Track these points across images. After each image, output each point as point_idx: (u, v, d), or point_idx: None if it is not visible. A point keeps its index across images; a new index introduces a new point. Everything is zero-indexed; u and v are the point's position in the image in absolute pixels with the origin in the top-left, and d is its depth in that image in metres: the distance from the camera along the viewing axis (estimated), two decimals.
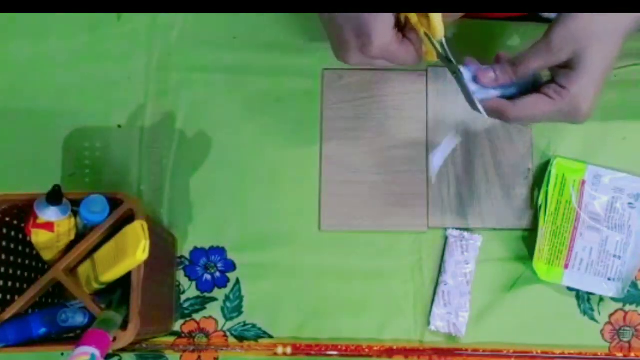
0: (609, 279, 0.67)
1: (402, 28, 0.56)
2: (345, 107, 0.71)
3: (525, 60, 0.54)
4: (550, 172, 0.68)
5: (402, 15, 0.55)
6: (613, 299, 0.67)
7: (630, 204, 0.68)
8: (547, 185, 0.67)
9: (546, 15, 0.73)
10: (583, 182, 0.68)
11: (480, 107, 0.55)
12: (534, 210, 0.68)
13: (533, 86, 0.56)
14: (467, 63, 0.56)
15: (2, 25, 0.73)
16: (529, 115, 0.54)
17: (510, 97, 0.55)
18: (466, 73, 0.55)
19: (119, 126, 0.71)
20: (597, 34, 0.52)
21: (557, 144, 0.70)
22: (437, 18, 0.52)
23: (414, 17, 0.54)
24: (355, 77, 0.71)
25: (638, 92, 0.71)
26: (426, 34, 0.54)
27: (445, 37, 0.54)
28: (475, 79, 0.55)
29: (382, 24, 0.52)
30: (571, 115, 0.54)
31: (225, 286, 0.69)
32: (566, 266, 0.67)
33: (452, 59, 0.55)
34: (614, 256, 0.67)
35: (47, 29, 0.73)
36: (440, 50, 0.55)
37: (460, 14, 0.56)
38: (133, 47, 0.72)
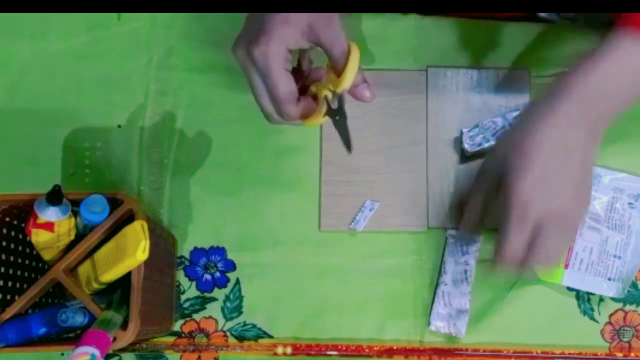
0: (609, 279, 0.67)
1: (301, 86, 0.55)
2: (345, 107, 0.71)
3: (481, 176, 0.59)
4: None
5: (312, 87, 0.56)
6: (613, 299, 0.67)
7: (630, 204, 0.68)
8: None
9: (545, 15, 0.73)
10: None
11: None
12: None
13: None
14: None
15: (2, 25, 0.73)
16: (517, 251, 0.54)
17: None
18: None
19: (119, 126, 0.71)
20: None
21: None
22: (351, 72, 0.52)
23: (319, 88, 0.55)
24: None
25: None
26: (325, 97, 0.54)
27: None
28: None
29: (281, 35, 0.50)
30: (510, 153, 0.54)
31: (225, 286, 0.69)
32: (566, 266, 0.67)
33: (344, 107, 0.55)
34: (614, 256, 0.67)
35: (47, 29, 0.73)
36: (332, 105, 0.54)
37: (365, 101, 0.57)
38: (133, 47, 0.72)
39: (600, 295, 0.68)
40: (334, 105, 0.54)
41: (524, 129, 0.53)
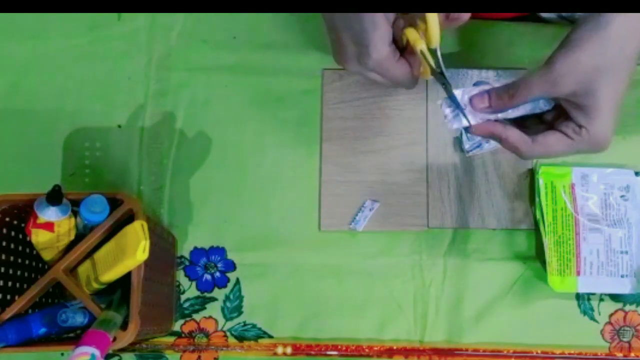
0: (622, 277, 0.67)
1: (401, 49, 0.56)
2: (345, 107, 0.71)
3: (524, 88, 0.52)
4: (538, 182, 0.68)
5: (404, 38, 0.55)
6: (624, 296, 0.67)
7: (622, 196, 0.68)
8: (539, 196, 0.67)
9: (546, 15, 0.73)
10: (572, 186, 0.68)
11: (464, 135, 0.57)
12: (534, 210, 0.68)
13: (533, 113, 0.55)
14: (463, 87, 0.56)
15: (2, 25, 0.73)
16: (544, 152, 0.54)
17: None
18: (461, 96, 0.55)
19: (119, 126, 0.71)
20: (604, 66, 0.49)
21: None
22: (433, 21, 0.51)
23: (412, 33, 0.54)
24: (355, 77, 0.71)
25: (638, 92, 0.71)
26: (422, 52, 0.54)
27: (440, 48, 0.53)
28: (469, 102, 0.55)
29: (380, 36, 0.53)
30: (590, 150, 0.53)
31: (225, 286, 0.69)
32: (578, 273, 0.67)
33: (445, 72, 0.54)
34: (621, 252, 0.67)
35: (47, 29, 0.73)
36: (434, 64, 0.54)
37: (462, 20, 0.55)
38: (133, 47, 0.72)
39: (601, 295, 0.68)
40: (433, 64, 0.54)
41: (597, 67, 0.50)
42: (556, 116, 0.55)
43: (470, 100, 0.55)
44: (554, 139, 0.53)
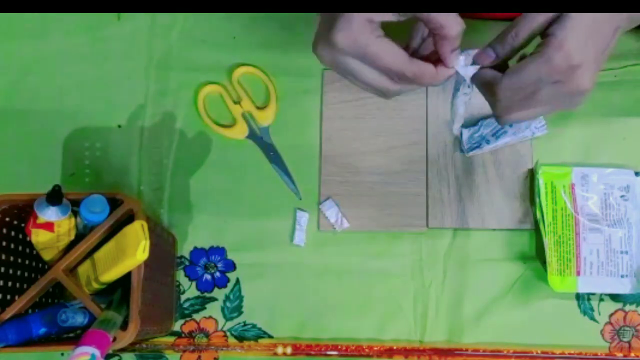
0: (622, 277, 0.67)
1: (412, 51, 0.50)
2: (345, 107, 0.71)
3: (525, 19, 0.46)
4: (538, 182, 0.68)
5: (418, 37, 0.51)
6: (624, 296, 0.68)
7: (622, 196, 0.68)
8: (539, 196, 0.67)
9: None
10: (572, 186, 0.68)
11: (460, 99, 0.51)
12: (534, 210, 0.68)
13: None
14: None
15: (2, 25, 0.73)
16: (520, 82, 0.46)
17: None
18: (463, 59, 0.50)
19: (119, 126, 0.71)
20: None
21: (556, 147, 0.70)
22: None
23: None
24: None
25: (638, 92, 0.71)
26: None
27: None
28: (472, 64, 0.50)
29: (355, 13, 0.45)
30: (567, 70, 0.45)
31: (225, 286, 0.69)
32: (578, 273, 0.67)
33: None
34: (621, 252, 0.67)
35: (47, 29, 0.73)
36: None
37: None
38: (133, 47, 0.72)
39: (601, 295, 0.68)
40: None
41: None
42: None
43: (475, 60, 0.49)
44: (522, 62, 0.46)
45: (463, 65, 0.50)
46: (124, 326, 0.54)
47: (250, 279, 0.69)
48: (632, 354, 0.67)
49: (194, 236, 0.69)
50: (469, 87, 0.51)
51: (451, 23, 0.47)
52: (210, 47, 0.72)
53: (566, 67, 0.45)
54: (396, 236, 0.69)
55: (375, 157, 0.70)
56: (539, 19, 0.46)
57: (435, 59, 0.49)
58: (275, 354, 0.67)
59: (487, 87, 0.49)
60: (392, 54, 0.46)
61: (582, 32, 0.45)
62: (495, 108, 0.49)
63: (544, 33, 0.46)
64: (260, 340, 0.68)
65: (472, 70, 0.50)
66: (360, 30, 0.45)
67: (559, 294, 0.67)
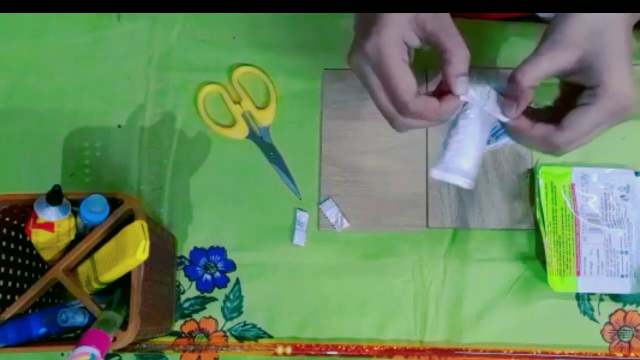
0: (622, 276, 0.67)
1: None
2: (345, 107, 0.71)
3: (534, 65, 0.48)
4: (538, 182, 0.68)
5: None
6: (624, 296, 0.67)
7: (622, 196, 0.68)
8: (539, 196, 0.67)
9: (545, 15, 0.73)
10: (572, 186, 0.68)
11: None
12: (534, 210, 0.68)
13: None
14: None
15: (2, 25, 0.73)
16: (577, 134, 0.48)
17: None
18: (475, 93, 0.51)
19: (119, 126, 0.71)
20: (604, 20, 0.47)
21: None
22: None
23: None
24: (355, 78, 0.71)
25: (638, 91, 0.71)
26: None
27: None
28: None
29: (397, 20, 0.47)
30: (620, 107, 0.48)
31: (225, 286, 0.69)
32: (578, 273, 0.67)
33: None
34: (621, 252, 0.67)
35: (47, 29, 0.73)
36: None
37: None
38: (133, 47, 0.72)
39: (601, 295, 0.68)
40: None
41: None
42: (565, 101, 0.51)
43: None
44: (577, 115, 0.48)
45: (477, 98, 0.51)
46: (124, 326, 0.54)
47: (250, 279, 0.69)
48: (632, 354, 0.67)
49: (194, 236, 0.69)
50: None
51: (455, 47, 0.48)
52: (210, 47, 0.72)
53: (622, 102, 0.47)
54: (396, 236, 0.69)
55: (375, 157, 0.70)
56: (551, 66, 0.48)
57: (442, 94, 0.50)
58: (275, 354, 0.67)
59: (540, 141, 0.50)
60: (404, 81, 0.48)
61: (624, 68, 0.47)
62: (551, 152, 0.50)
63: (582, 82, 0.48)
64: (260, 340, 0.68)
65: (490, 104, 0.50)
66: (388, 42, 0.47)
67: (559, 294, 0.67)
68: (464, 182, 0.52)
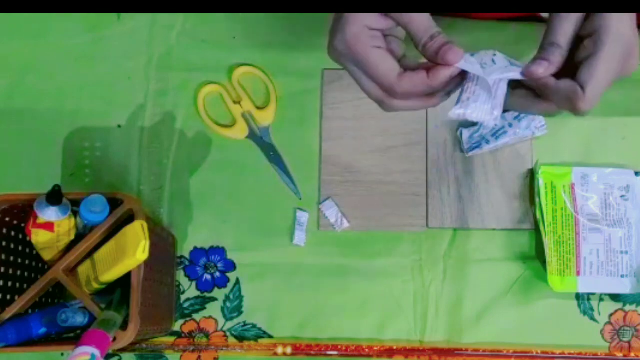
0: (622, 276, 0.67)
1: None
2: (345, 107, 0.71)
3: (559, 25, 0.47)
4: (538, 182, 0.68)
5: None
6: (624, 296, 0.68)
7: (622, 196, 0.68)
8: (539, 196, 0.67)
9: (546, 15, 0.73)
10: (572, 186, 0.68)
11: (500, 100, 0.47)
12: (534, 210, 0.68)
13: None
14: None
15: (2, 25, 0.73)
16: (599, 85, 0.46)
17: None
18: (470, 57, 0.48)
19: (119, 126, 0.71)
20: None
21: (556, 147, 0.70)
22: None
23: None
24: None
25: (638, 92, 0.71)
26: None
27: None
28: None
29: (359, 15, 0.46)
30: (624, 52, 0.46)
31: (225, 286, 0.69)
32: (578, 273, 0.67)
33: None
34: (621, 252, 0.67)
35: (47, 29, 0.73)
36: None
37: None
38: (133, 47, 0.72)
39: (601, 295, 0.68)
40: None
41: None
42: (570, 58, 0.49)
43: (524, 73, 0.48)
44: (587, 68, 0.46)
45: (477, 64, 0.48)
46: (124, 326, 0.54)
47: (250, 279, 0.69)
48: (632, 354, 0.67)
49: (194, 236, 0.69)
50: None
51: (410, 15, 0.47)
52: (210, 47, 0.72)
53: (625, 52, 0.46)
54: (396, 236, 0.69)
55: (375, 157, 0.70)
56: (573, 18, 0.47)
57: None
58: (275, 354, 0.67)
59: (564, 100, 0.47)
60: (382, 66, 0.47)
61: (624, 16, 0.46)
62: (575, 112, 0.48)
63: (584, 32, 0.47)
64: (260, 340, 0.68)
65: (497, 73, 0.48)
66: (357, 35, 0.46)
67: (559, 294, 0.67)
68: (487, 114, 0.48)
